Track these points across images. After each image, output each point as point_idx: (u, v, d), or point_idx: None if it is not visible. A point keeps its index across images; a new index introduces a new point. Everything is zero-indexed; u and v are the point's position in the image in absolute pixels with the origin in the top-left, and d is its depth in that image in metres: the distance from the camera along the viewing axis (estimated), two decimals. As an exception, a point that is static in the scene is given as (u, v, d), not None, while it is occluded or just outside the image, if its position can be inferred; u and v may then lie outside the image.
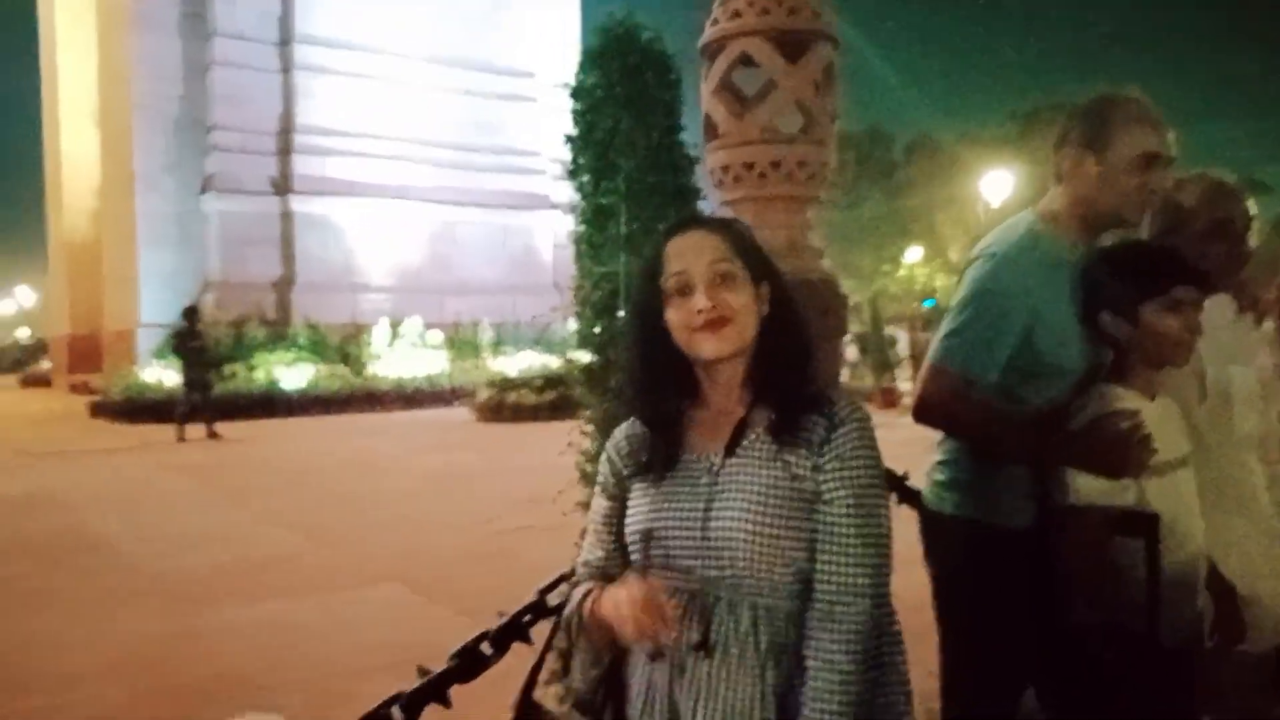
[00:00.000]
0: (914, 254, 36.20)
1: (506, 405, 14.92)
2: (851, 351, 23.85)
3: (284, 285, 21.25)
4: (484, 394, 15.55)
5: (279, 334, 19.56)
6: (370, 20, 22.44)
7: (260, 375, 17.79)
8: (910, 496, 2.26)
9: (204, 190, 21.22)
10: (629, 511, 1.42)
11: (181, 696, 3.71)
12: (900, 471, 2.31)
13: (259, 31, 21.76)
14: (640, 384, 1.46)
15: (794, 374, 1.38)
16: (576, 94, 2.57)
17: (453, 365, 20.04)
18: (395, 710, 1.36)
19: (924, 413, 1.96)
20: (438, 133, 22.91)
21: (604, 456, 1.50)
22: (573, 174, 2.56)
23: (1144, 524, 1.81)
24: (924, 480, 2.13)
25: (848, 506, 1.30)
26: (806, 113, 2.54)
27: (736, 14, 2.56)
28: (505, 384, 15.91)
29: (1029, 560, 1.88)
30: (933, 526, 2.08)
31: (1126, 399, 1.88)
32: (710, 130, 2.67)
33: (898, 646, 1.31)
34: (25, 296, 65.45)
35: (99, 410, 17.19)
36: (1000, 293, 1.88)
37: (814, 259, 2.60)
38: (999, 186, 24.26)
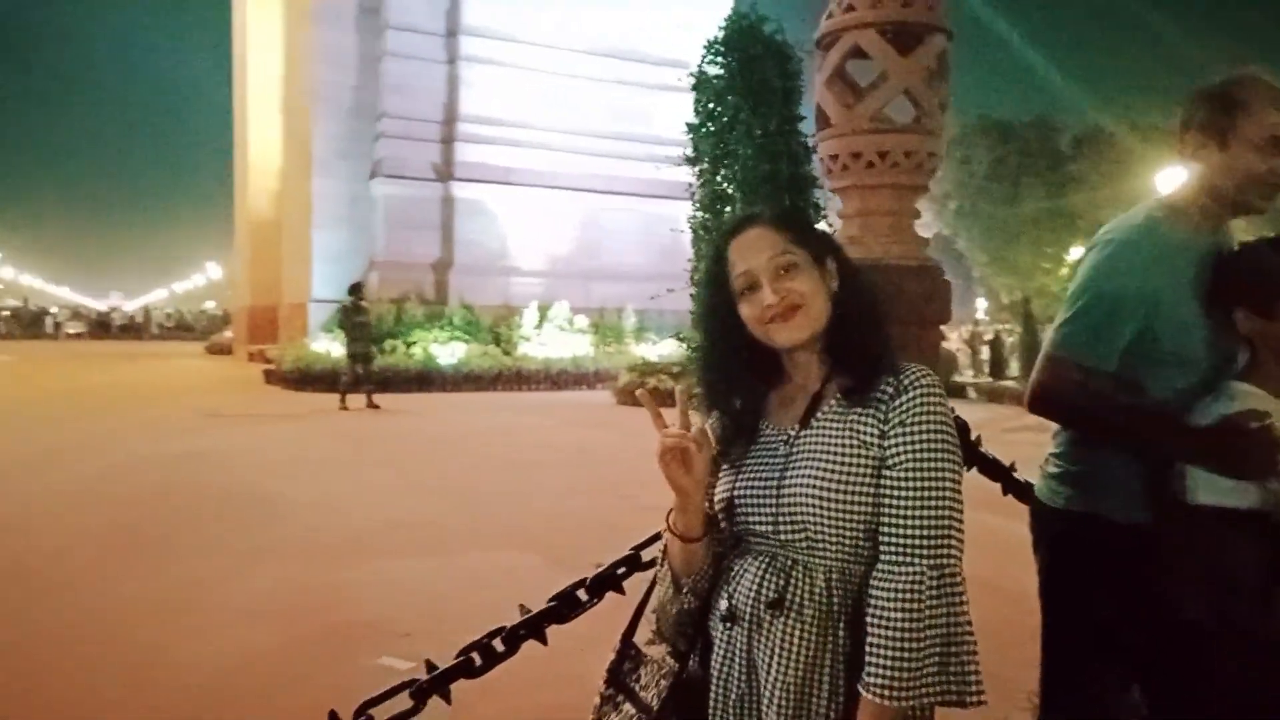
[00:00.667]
0: (1077, 253, 34.37)
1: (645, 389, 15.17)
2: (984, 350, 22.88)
3: (442, 267, 22.19)
4: (625, 378, 15.85)
5: (436, 313, 20.46)
6: (531, 13, 23.08)
7: (418, 351, 18.68)
8: (1018, 488, 2.24)
9: (373, 175, 22.37)
10: (716, 485, 1.50)
11: (328, 638, 4.03)
12: (1008, 462, 2.30)
13: (428, 23, 22.73)
14: (717, 382, 1.54)
15: (865, 343, 1.44)
16: (699, 84, 2.65)
17: (597, 349, 20.50)
18: (496, 642, 1.50)
19: (1039, 403, 1.95)
20: (590, 122, 23.38)
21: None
22: (691, 160, 2.64)
23: (1268, 527, 1.77)
24: (1037, 473, 2.12)
25: (907, 470, 1.34)
26: (917, 103, 2.55)
27: (851, 7, 2.59)
28: (645, 368, 16.16)
29: (1141, 557, 1.85)
30: (1042, 519, 2.06)
31: (1258, 399, 1.82)
32: (822, 120, 2.73)
33: (964, 615, 1.32)
34: (213, 271, 70.89)
35: (272, 378, 18.48)
36: (1115, 280, 1.85)
37: (918, 246, 2.62)
38: (1176, 182, 22.73)
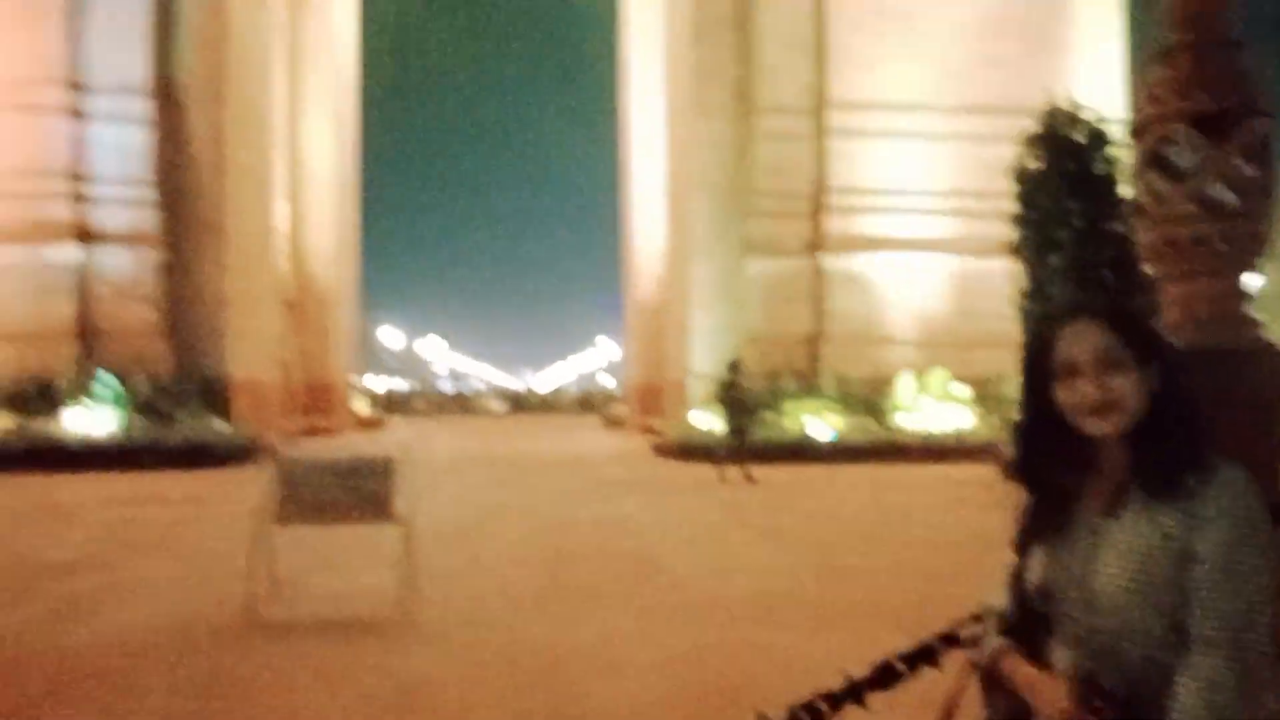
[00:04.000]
0: None
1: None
2: None
3: (814, 338, 22.62)
4: (1010, 449, 15.06)
5: (809, 385, 20.87)
6: (897, 78, 23.17)
7: (791, 424, 19.15)
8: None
9: (746, 253, 23.51)
10: (1028, 567, 1.61)
11: (713, 694, 4.45)
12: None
13: (796, 102, 23.63)
14: (1029, 455, 1.65)
15: (1175, 439, 1.47)
16: (1019, 177, 2.75)
17: (980, 420, 19.63)
18: (821, 703, 1.72)
19: None
20: (961, 181, 22.76)
21: (1015, 514, 1.71)
22: (1015, 249, 2.72)
23: None
24: None
25: (1211, 563, 1.38)
26: (1235, 188, 2.47)
27: (1156, 99, 2.57)
28: (1032, 440, 15.24)
29: None
30: None
31: None
32: (1138, 208, 2.70)
33: (1264, 710, 1.35)
34: (608, 348, 77.79)
35: (658, 450, 19.90)
36: None
37: (1247, 329, 2.49)
38: None
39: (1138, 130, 2.65)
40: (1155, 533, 1.44)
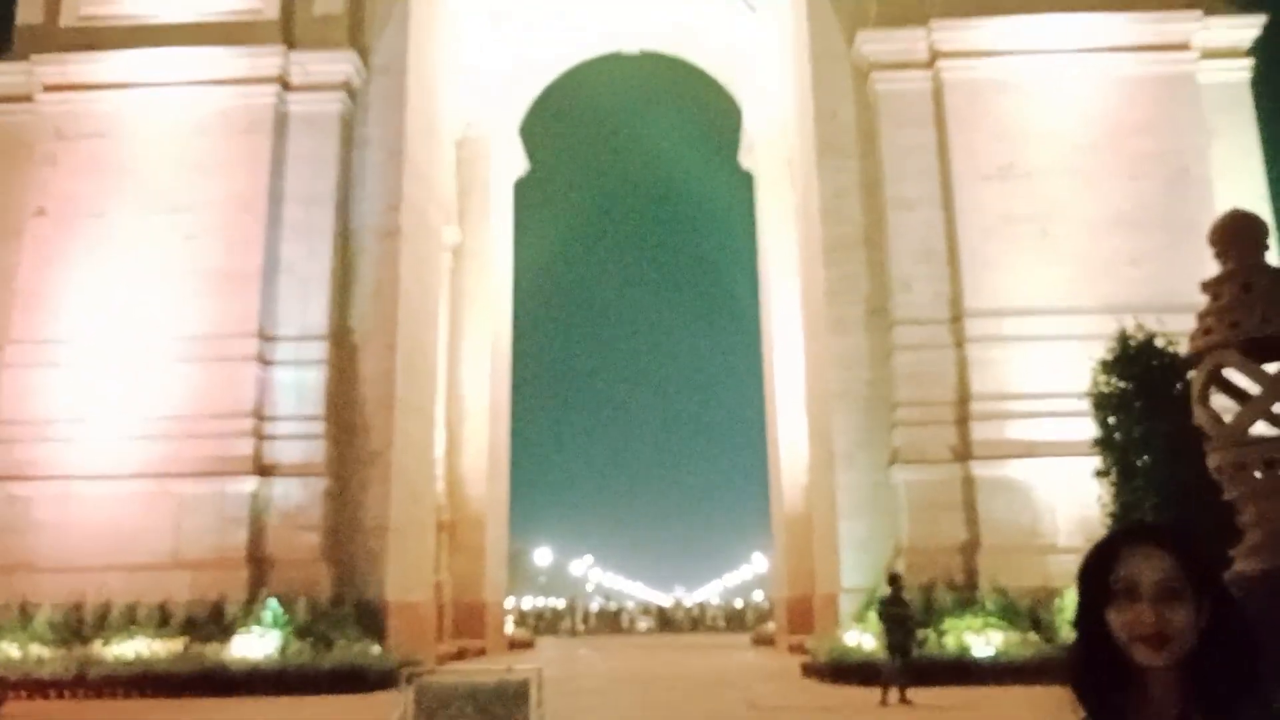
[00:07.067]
0: None
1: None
2: None
3: (969, 548, 21.66)
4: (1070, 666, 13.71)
5: (966, 597, 19.81)
6: (1034, 281, 23.09)
7: (950, 640, 18.07)
8: None
9: (891, 462, 23.13)
10: None
11: None
12: None
13: (932, 313, 23.80)
14: (1081, 673, 1.61)
15: (1228, 676, 1.45)
16: (1098, 401, 2.81)
17: (1162, 634, 18.01)
18: None
19: None
20: (1114, 382, 22.06)
21: None
22: (1100, 473, 2.75)
23: None
24: None
25: None
26: None
27: (1208, 330, 2.63)
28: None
29: None
30: None
31: None
32: (1202, 433, 2.70)
33: None
34: (758, 563, 76.00)
35: (808, 670, 19.05)
36: None
37: None
38: None
39: (1194, 358, 2.71)
40: None
